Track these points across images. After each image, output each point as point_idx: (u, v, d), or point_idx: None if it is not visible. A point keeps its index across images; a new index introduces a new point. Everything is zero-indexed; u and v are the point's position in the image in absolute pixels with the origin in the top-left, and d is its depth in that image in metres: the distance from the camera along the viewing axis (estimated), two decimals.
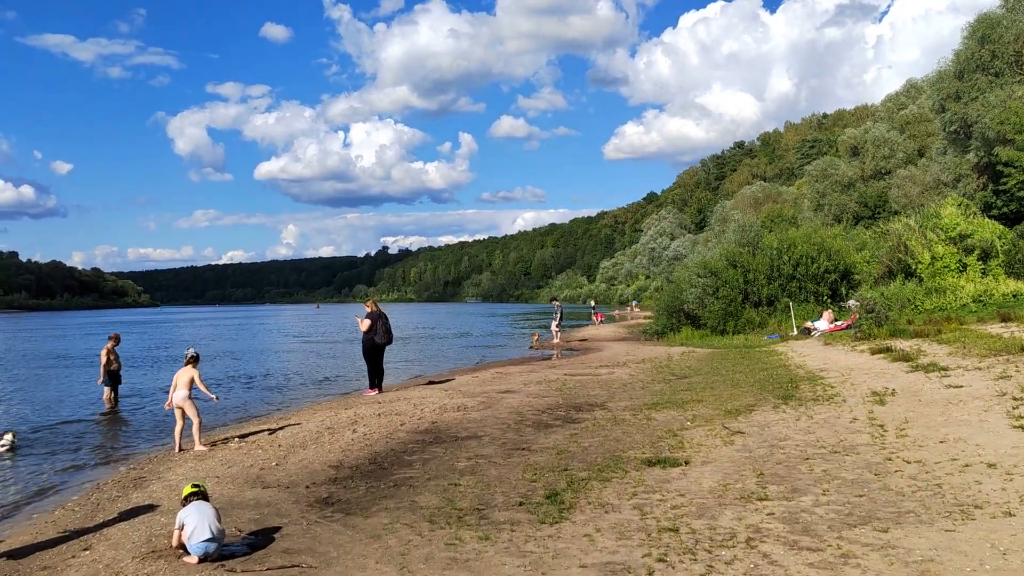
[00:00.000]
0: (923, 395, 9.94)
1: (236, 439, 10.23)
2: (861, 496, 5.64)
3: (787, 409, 10.01)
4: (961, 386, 10.11)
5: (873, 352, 15.30)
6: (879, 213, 47.87)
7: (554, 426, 10.13)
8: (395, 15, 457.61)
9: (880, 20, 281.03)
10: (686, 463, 7.36)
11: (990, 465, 6.02)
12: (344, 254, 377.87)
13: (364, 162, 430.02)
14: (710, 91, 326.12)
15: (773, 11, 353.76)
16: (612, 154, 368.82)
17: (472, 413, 11.42)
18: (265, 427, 11.27)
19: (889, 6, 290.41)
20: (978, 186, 36.84)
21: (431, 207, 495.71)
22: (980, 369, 11.26)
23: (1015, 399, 8.59)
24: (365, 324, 14.56)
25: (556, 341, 29.87)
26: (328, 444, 9.35)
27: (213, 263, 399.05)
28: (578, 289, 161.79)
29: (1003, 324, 16.84)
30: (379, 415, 11.43)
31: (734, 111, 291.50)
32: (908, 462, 6.49)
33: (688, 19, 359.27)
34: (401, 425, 10.55)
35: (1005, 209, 33.16)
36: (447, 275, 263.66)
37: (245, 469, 8.16)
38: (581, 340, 30.91)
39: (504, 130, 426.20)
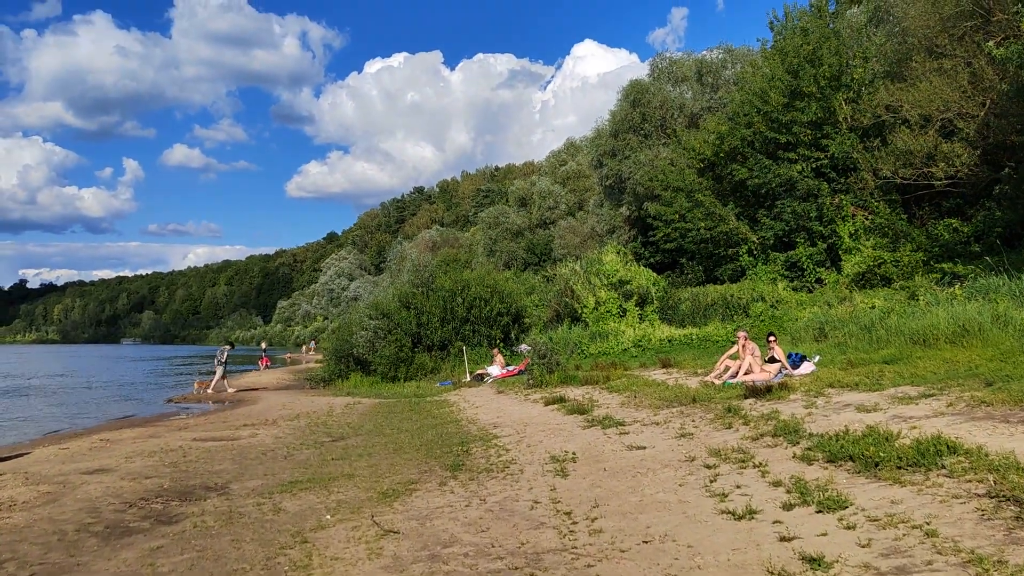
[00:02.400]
0: (606, 460, 8.53)
1: None
2: None
3: (456, 486, 7.96)
4: (644, 447, 8.91)
5: (547, 403, 14.16)
6: (545, 260, 50.30)
7: (136, 532, 6.99)
8: (49, 23, 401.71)
9: (545, 88, 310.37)
10: None
11: None
12: None
13: (2, 183, 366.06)
14: (394, 137, 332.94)
15: (452, 68, 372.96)
16: (295, 192, 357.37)
17: (16, 515, 7.76)
18: None
19: (552, 76, 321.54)
20: (629, 237, 39.76)
21: (86, 237, 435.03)
22: (658, 424, 10.29)
23: (707, 467, 7.38)
24: None
25: (210, 392, 25.53)
26: None
27: None
28: (252, 330, 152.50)
29: (664, 370, 16.89)
30: None
31: (416, 159, 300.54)
32: None
33: (373, 66, 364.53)
34: None
35: (652, 259, 35.91)
36: (101, 313, 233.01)
37: None
38: (238, 390, 26.97)
39: (177, 159, 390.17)
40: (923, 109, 22.89)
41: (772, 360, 13.52)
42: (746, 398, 10.97)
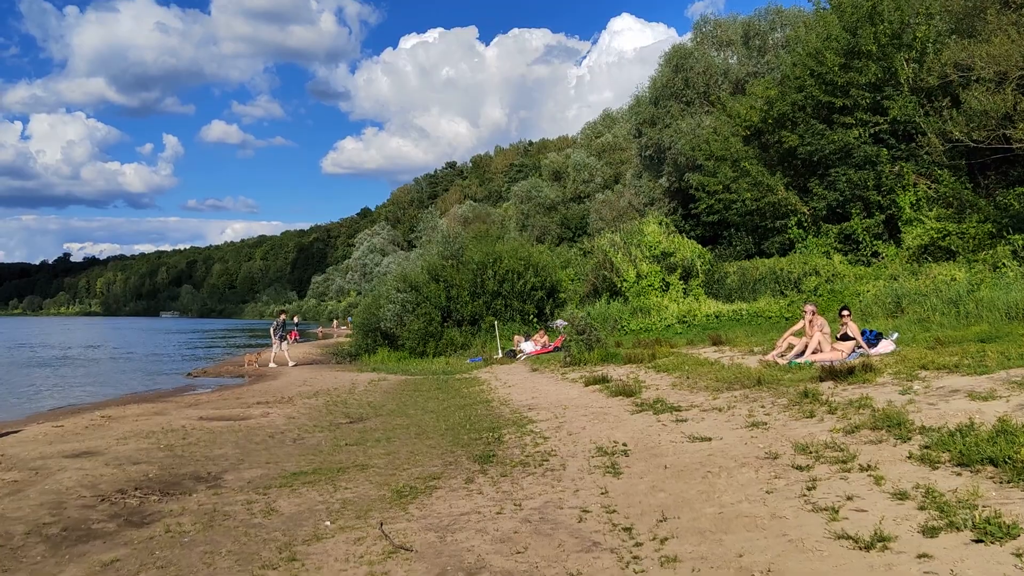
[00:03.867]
0: (665, 454, 7.12)
1: None
2: None
3: (485, 484, 6.62)
4: (709, 438, 7.47)
5: (588, 383, 12.75)
6: (579, 234, 48.66)
7: (96, 536, 5.76)
8: (91, 0, 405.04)
9: (580, 64, 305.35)
10: None
11: None
12: (17, 260, 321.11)
13: (47, 158, 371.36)
14: (429, 113, 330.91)
15: (488, 44, 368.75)
16: (330, 168, 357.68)
17: None
18: None
19: (588, 51, 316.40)
20: (669, 210, 37.91)
21: (127, 212, 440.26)
22: (720, 410, 8.84)
23: (798, 468, 5.92)
24: None
25: (291, 363, 24.04)
26: None
27: None
28: (287, 305, 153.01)
29: (716, 348, 15.36)
30: None
31: (451, 134, 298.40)
32: None
33: (408, 41, 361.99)
34: None
35: (694, 233, 34.10)
36: (142, 287, 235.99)
37: None
38: (255, 363, 25.91)
39: (216, 135, 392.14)
40: (1000, 65, 20.86)
41: (845, 337, 11.93)
42: (822, 381, 9.45)
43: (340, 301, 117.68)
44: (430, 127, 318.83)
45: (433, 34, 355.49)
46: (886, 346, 11.51)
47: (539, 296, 24.40)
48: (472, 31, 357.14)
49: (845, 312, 12.20)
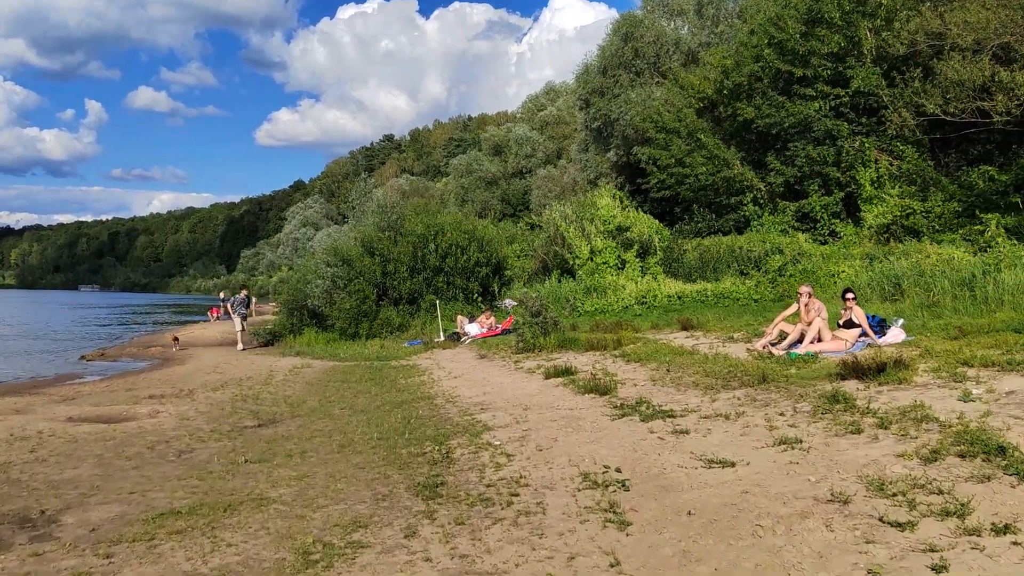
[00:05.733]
0: (679, 488, 5.22)
1: None
2: None
3: (432, 539, 4.60)
4: (732, 463, 5.59)
5: (548, 375, 10.78)
6: (521, 211, 46.80)
7: None
8: None
9: (521, 41, 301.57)
10: None
11: None
12: None
13: None
14: (367, 86, 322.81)
15: (428, 17, 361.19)
16: (264, 140, 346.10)
17: None
18: None
19: (529, 28, 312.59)
20: (617, 185, 36.22)
21: (46, 180, 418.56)
22: (726, 417, 6.98)
23: (897, 526, 4.06)
24: None
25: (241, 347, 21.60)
26: None
27: None
28: (215, 279, 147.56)
29: (687, 333, 13.61)
30: None
31: (389, 108, 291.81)
32: None
33: (346, 11, 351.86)
34: None
35: (642, 209, 32.49)
36: (59, 259, 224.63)
37: None
38: (171, 344, 23.27)
39: (143, 102, 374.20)
40: (977, 33, 19.67)
41: (849, 324, 10.27)
42: (843, 379, 7.71)
43: (271, 276, 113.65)
44: (368, 100, 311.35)
45: (372, 5, 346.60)
46: (896, 335, 9.89)
47: (484, 273, 22.35)
48: (412, 4, 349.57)
49: (849, 295, 10.52)
